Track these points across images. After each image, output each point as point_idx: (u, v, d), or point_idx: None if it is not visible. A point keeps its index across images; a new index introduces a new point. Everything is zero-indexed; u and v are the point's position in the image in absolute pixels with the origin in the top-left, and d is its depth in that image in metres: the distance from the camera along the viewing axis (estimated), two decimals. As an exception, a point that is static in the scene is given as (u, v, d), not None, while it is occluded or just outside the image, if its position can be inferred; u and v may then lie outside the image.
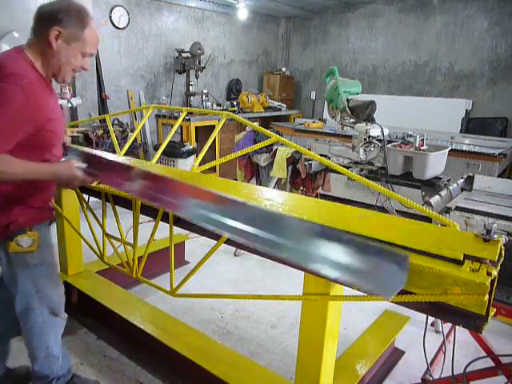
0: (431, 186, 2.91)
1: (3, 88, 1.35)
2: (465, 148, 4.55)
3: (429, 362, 2.01)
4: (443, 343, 2.03)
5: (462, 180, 2.73)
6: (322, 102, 6.63)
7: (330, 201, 1.58)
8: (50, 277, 1.77)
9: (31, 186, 1.60)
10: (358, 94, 3.25)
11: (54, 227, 2.05)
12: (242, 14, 6.46)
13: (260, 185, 3.76)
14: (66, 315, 1.89)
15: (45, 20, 1.44)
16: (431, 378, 2.02)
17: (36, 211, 1.66)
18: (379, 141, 3.08)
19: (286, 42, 7.99)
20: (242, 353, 2.29)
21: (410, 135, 3.08)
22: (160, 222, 1.77)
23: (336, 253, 1.09)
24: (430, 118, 5.89)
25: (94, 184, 1.86)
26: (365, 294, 1.21)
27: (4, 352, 2.00)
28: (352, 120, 3.16)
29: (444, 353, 2.01)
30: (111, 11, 5.41)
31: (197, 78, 6.19)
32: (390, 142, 3.15)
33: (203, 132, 5.89)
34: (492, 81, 5.76)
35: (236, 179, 4.00)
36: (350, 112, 3.10)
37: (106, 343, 2.41)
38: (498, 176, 4.17)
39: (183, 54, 5.99)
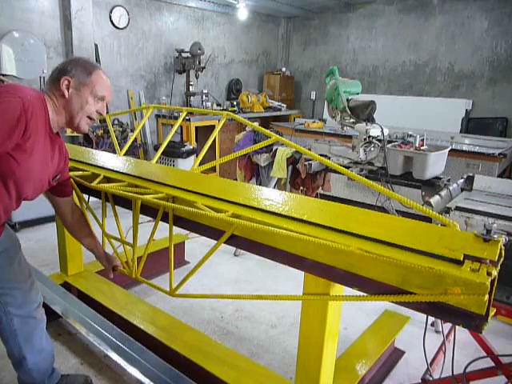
0: (431, 186, 2.91)
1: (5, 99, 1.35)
2: (465, 148, 4.54)
3: (429, 362, 2.01)
4: (443, 343, 2.03)
5: (462, 180, 2.73)
6: (322, 102, 6.63)
7: (330, 201, 1.58)
8: None
9: None
10: (358, 93, 3.25)
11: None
12: (242, 14, 6.46)
13: (260, 185, 3.76)
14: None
15: (57, 73, 1.58)
16: (431, 378, 2.02)
17: None
18: (379, 141, 3.08)
19: (286, 42, 7.99)
20: (242, 353, 2.29)
21: (410, 135, 3.08)
22: (160, 221, 1.77)
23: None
24: (429, 118, 5.90)
25: (94, 183, 1.86)
26: (365, 294, 1.21)
27: None
28: (352, 120, 3.16)
29: (444, 353, 2.01)
30: (111, 11, 5.41)
31: (197, 77, 6.20)
32: (390, 142, 3.15)
33: (203, 132, 5.89)
34: (492, 81, 5.76)
35: (236, 179, 4.00)
36: (350, 112, 3.10)
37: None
38: (498, 176, 4.16)
39: (183, 54, 5.99)
